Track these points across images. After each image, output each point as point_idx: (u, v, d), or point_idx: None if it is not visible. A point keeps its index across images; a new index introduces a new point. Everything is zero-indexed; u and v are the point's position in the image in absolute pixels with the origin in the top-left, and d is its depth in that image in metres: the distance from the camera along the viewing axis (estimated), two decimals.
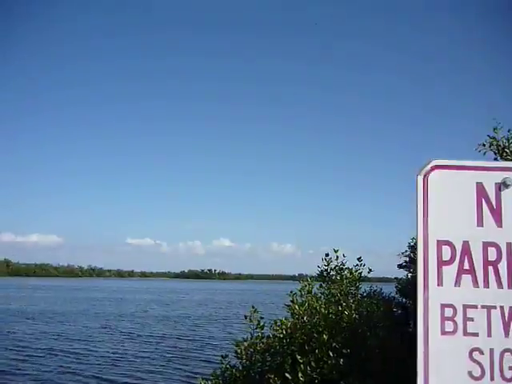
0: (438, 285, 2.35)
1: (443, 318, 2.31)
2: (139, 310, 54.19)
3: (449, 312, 2.32)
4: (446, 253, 2.38)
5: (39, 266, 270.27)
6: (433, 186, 2.44)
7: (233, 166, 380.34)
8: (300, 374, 8.06)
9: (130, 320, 41.89)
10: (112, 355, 23.55)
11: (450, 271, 2.36)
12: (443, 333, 2.30)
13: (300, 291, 9.53)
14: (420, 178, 2.45)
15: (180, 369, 20.71)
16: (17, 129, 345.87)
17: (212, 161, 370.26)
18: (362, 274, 10.05)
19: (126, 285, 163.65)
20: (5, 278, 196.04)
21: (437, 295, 2.33)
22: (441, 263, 2.38)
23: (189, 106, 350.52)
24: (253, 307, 9.31)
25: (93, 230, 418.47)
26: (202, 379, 9.47)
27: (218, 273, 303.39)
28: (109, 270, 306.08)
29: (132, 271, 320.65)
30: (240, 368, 9.45)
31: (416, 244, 2.45)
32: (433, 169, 2.47)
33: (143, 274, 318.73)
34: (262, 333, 9.35)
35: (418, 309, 2.33)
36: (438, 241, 2.39)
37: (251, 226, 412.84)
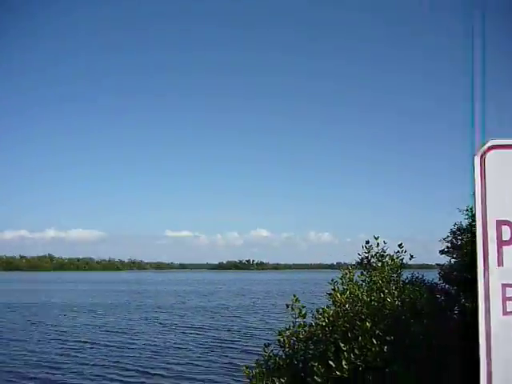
0: (499, 265, 2.29)
1: (505, 298, 2.26)
2: (178, 301, 54.96)
3: (510, 292, 2.26)
4: (506, 233, 2.32)
5: (81, 260, 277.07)
6: (490, 166, 2.38)
7: (268, 156, 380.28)
8: (344, 362, 8.02)
9: (169, 311, 42.51)
10: (152, 347, 23.95)
11: (511, 251, 2.30)
12: (505, 313, 2.25)
13: (341, 279, 9.47)
14: (477, 159, 2.39)
15: (219, 359, 20.90)
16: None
17: (248, 152, 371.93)
18: (403, 261, 9.92)
19: (165, 277, 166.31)
20: (48, 273, 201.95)
21: (498, 275, 2.27)
22: (501, 243, 2.31)
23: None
24: (294, 296, 9.30)
25: (132, 224, 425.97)
26: (246, 368, 9.56)
27: (256, 263, 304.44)
28: (149, 263, 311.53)
29: (171, 263, 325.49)
30: (283, 356, 9.48)
31: (474, 225, 2.40)
32: (490, 149, 2.40)
33: (182, 266, 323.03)
34: (304, 321, 9.35)
35: (478, 290, 2.28)
36: (497, 221, 2.33)
37: (288, 215, 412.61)
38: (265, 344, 9.77)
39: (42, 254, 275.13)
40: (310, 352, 8.99)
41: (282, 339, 9.38)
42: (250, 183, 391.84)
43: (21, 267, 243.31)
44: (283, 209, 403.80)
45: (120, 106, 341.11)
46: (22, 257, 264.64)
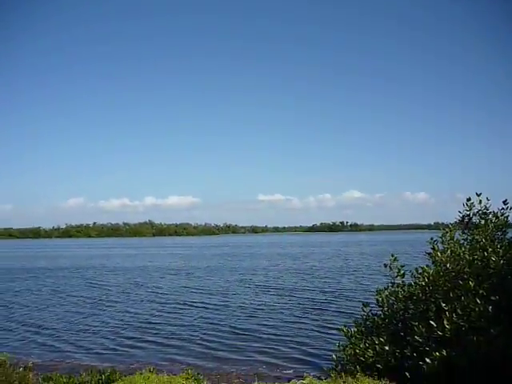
0: None
1: None
2: (272, 263, 55.93)
3: None
4: None
5: (179, 226, 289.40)
6: None
7: (362, 116, 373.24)
8: (445, 322, 7.88)
9: (264, 273, 43.30)
10: (248, 307, 24.57)
11: None
12: None
13: (441, 238, 9.21)
14: None
15: (314, 319, 21.05)
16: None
17: (341, 116, 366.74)
18: (509, 219, 9.42)
19: (259, 240, 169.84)
20: (149, 238, 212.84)
21: None
22: None
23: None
24: (392, 255, 9.20)
25: (226, 190, 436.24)
26: (344, 327, 9.66)
27: (350, 225, 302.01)
28: (243, 227, 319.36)
29: (265, 227, 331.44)
30: (382, 316, 9.48)
31: None
32: None
33: (276, 229, 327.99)
34: (403, 281, 9.25)
35: None
36: None
37: (381, 175, 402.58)
38: (363, 304, 9.82)
39: (142, 220, 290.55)
40: (410, 311, 8.90)
41: (380, 299, 9.37)
42: (340, 143, 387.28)
43: (124, 233, 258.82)
44: (376, 169, 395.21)
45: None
46: (125, 224, 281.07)
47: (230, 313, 23.08)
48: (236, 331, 19.18)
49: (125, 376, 9.70)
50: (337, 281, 35.90)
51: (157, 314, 23.79)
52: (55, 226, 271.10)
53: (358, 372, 8.65)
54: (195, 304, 26.24)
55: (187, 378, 9.01)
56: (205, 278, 41.41)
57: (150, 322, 21.57)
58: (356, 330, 9.59)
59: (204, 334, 18.97)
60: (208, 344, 17.37)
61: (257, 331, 19.04)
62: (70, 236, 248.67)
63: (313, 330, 19.33)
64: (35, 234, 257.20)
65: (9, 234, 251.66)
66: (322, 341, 17.46)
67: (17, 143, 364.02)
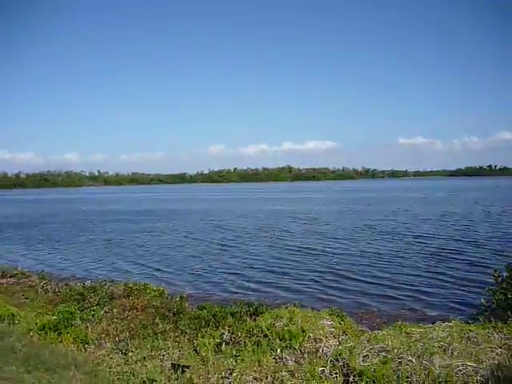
0: None
1: None
2: (402, 209, 53.86)
3: None
4: None
5: (317, 171, 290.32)
6: None
7: None
8: None
9: (394, 219, 41.91)
10: (382, 253, 24.14)
11: None
12: None
13: None
14: None
15: (454, 266, 20.20)
16: None
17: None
18: None
19: (398, 184, 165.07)
20: (287, 183, 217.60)
21: None
22: None
23: None
24: None
25: (363, 134, 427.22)
26: (495, 271, 9.22)
27: (500, 168, 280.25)
28: (382, 171, 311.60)
29: (406, 171, 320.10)
30: None
31: None
32: None
33: (417, 174, 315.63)
34: None
35: None
36: None
37: None
38: None
39: (281, 165, 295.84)
40: None
41: None
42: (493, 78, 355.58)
43: (263, 178, 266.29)
44: None
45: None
46: (264, 169, 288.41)
47: (366, 259, 22.94)
48: (374, 276, 19.12)
49: (271, 309, 10.23)
50: (475, 229, 33.86)
51: (294, 257, 24.45)
52: (199, 172, 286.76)
53: (508, 318, 8.26)
54: (327, 249, 26.36)
55: (331, 314, 9.26)
56: (331, 222, 41.41)
57: (288, 266, 22.21)
58: (508, 274, 9.10)
59: (343, 278, 19.17)
60: (347, 287, 17.59)
61: (396, 277, 18.82)
62: (213, 181, 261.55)
63: (455, 276, 18.67)
64: (181, 179, 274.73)
65: (158, 179, 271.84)
66: (466, 287, 16.82)
67: (167, 96, 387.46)
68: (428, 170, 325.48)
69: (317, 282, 18.38)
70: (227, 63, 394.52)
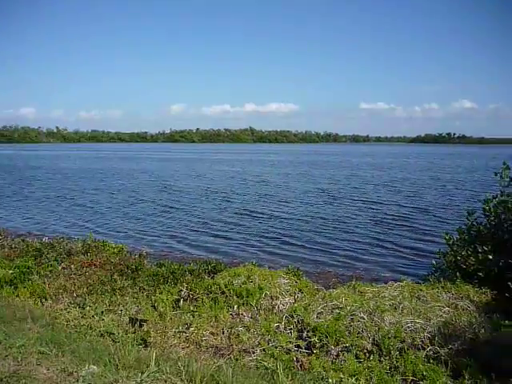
0: None
1: None
2: (352, 174, 54.47)
3: None
4: None
5: (280, 133, 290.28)
6: None
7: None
8: None
9: (350, 184, 42.26)
10: (337, 216, 24.70)
11: None
12: None
13: None
14: None
15: (409, 229, 20.87)
16: None
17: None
18: None
19: (358, 149, 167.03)
20: (249, 145, 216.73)
21: None
22: None
23: None
24: (504, 163, 8.75)
25: (326, 98, 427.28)
26: (446, 234, 9.54)
27: (458, 136, 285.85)
28: (344, 136, 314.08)
29: (367, 136, 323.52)
30: (487, 225, 9.22)
31: None
32: None
33: (378, 139, 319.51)
34: None
35: None
36: None
37: (495, 83, 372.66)
38: (468, 212, 9.57)
39: (243, 127, 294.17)
40: None
41: (487, 208, 9.07)
42: (451, 47, 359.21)
43: (225, 139, 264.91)
44: (489, 76, 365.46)
45: None
46: (226, 130, 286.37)
47: (323, 222, 23.32)
48: (331, 239, 19.49)
49: (229, 267, 10.37)
50: (434, 193, 34.94)
51: (251, 216, 24.74)
52: (160, 131, 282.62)
53: (457, 279, 8.63)
54: (273, 213, 26.61)
55: (287, 273, 9.46)
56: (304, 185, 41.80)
57: (248, 225, 22.48)
58: (459, 237, 9.45)
59: (299, 238, 19.52)
60: (306, 247, 17.95)
61: (352, 240, 19.25)
62: (175, 141, 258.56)
63: (409, 238, 19.34)
64: (142, 138, 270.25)
65: (119, 137, 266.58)
66: (419, 249, 17.47)
67: (126, 52, 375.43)
68: (389, 136, 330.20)
69: (275, 244, 18.61)
70: (191, 23, 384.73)
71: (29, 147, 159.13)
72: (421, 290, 8.31)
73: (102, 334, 6.61)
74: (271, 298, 8.58)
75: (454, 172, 57.30)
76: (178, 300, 8.57)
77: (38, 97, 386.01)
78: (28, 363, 4.50)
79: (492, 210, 9.00)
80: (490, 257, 8.41)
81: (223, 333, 7.34)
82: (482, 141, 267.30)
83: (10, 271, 9.79)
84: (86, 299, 8.50)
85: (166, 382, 4.25)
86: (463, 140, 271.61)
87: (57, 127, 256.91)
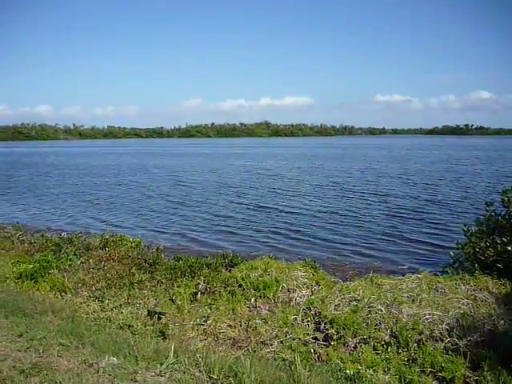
0: None
1: None
2: (368, 166, 53.81)
3: None
4: None
5: (295, 127, 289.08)
6: None
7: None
8: None
9: (360, 177, 42.09)
10: (354, 209, 24.56)
11: None
12: None
13: None
14: None
15: (428, 220, 20.76)
16: None
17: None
18: None
19: (375, 141, 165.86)
20: (265, 139, 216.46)
21: None
22: None
23: None
24: None
25: (341, 90, 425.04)
26: (465, 225, 9.47)
27: (475, 128, 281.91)
28: (360, 128, 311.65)
29: (383, 128, 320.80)
30: (506, 216, 9.12)
31: None
32: None
33: (394, 131, 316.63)
34: None
35: None
36: None
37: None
38: (487, 203, 9.48)
39: (258, 121, 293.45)
40: None
41: (506, 199, 8.97)
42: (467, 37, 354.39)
43: (240, 134, 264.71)
44: (507, 66, 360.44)
45: None
46: (241, 124, 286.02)
47: (340, 214, 23.26)
48: (348, 232, 19.43)
49: (246, 260, 10.41)
50: (450, 185, 34.60)
51: (267, 210, 24.80)
52: (176, 127, 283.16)
53: (476, 270, 8.57)
54: (288, 207, 26.57)
55: (304, 266, 9.47)
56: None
57: (266, 219, 22.52)
58: (477, 229, 9.37)
59: (318, 230, 19.53)
60: (322, 240, 17.93)
61: (370, 230, 19.22)
62: (191, 136, 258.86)
63: (426, 230, 19.22)
64: (158, 133, 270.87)
65: (135, 133, 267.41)
66: (437, 241, 17.34)
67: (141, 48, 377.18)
68: (405, 128, 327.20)
69: (292, 237, 18.58)
70: (207, 16, 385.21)
71: (46, 144, 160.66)
72: (439, 281, 8.27)
73: (121, 327, 6.70)
74: (288, 290, 8.61)
75: (470, 164, 56.48)
76: (196, 293, 8.64)
77: (53, 94, 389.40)
78: (49, 355, 4.57)
79: (511, 200, 8.90)
80: (509, 248, 8.33)
81: (241, 325, 7.39)
82: (500, 131, 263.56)
83: (31, 266, 9.95)
84: (104, 293, 8.62)
85: (184, 373, 4.29)
86: (481, 131, 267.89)
87: (74, 124, 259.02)
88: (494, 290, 7.87)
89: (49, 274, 9.55)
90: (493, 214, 9.36)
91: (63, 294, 8.74)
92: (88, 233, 15.76)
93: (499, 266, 8.44)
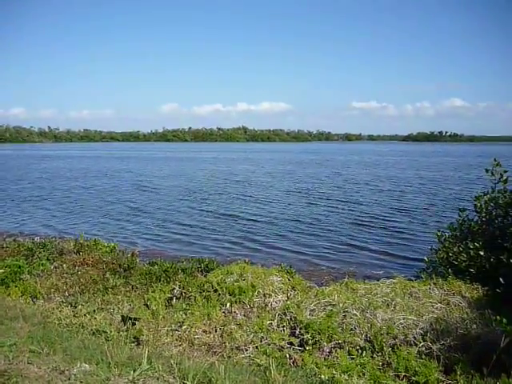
0: None
1: None
2: (334, 172, 54.50)
3: None
4: None
5: (272, 132, 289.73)
6: None
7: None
8: None
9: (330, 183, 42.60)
10: (332, 213, 24.91)
11: None
12: None
13: None
14: None
15: (402, 226, 21.04)
16: None
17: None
18: None
19: (350, 147, 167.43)
20: (242, 144, 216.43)
21: None
22: None
23: None
24: (495, 160, 8.79)
25: (318, 97, 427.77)
26: (438, 231, 9.58)
27: (450, 135, 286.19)
28: (337, 134, 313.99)
29: (360, 134, 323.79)
30: (478, 222, 9.26)
31: None
32: None
33: (370, 138, 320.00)
34: (505, 187, 8.88)
35: None
36: None
37: (489, 82, 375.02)
38: (460, 209, 9.61)
39: (235, 126, 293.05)
40: (510, 218, 8.61)
41: (478, 204, 9.11)
42: (443, 49, 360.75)
43: (218, 138, 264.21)
44: (481, 74, 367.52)
45: None
46: (218, 129, 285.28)
47: (315, 220, 23.39)
48: (322, 236, 19.55)
49: (222, 266, 10.36)
50: (427, 190, 35.21)
51: (245, 216, 24.76)
52: (153, 130, 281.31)
53: (449, 275, 8.67)
54: (272, 212, 26.71)
55: (280, 271, 9.46)
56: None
57: (244, 224, 22.50)
58: (450, 234, 9.50)
59: (293, 236, 19.58)
60: (297, 247, 17.95)
61: (343, 237, 19.34)
62: (168, 140, 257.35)
63: (402, 234, 19.46)
64: (135, 137, 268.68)
65: (111, 137, 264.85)
66: (412, 245, 17.57)
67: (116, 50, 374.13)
68: (381, 134, 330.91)
69: (267, 243, 18.59)
70: (182, 22, 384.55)
71: (20, 147, 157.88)
72: (413, 286, 8.34)
73: (94, 333, 6.59)
74: (264, 295, 8.58)
75: (439, 170, 57.44)
76: (171, 298, 8.56)
77: (28, 97, 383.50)
78: (19, 362, 4.47)
79: (483, 206, 9.05)
80: (482, 253, 8.44)
81: (216, 331, 7.33)
82: (472, 139, 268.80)
83: (1, 270, 9.74)
84: (78, 298, 8.48)
85: (158, 379, 4.24)
86: (454, 138, 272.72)
87: (49, 127, 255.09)
88: (467, 294, 7.97)
89: (20, 279, 9.37)
90: (466, 219, 9.50)
91: (35, 299, 8.57)
92: (62, 237, 15.50)
93: (472, 270, 8.56)
